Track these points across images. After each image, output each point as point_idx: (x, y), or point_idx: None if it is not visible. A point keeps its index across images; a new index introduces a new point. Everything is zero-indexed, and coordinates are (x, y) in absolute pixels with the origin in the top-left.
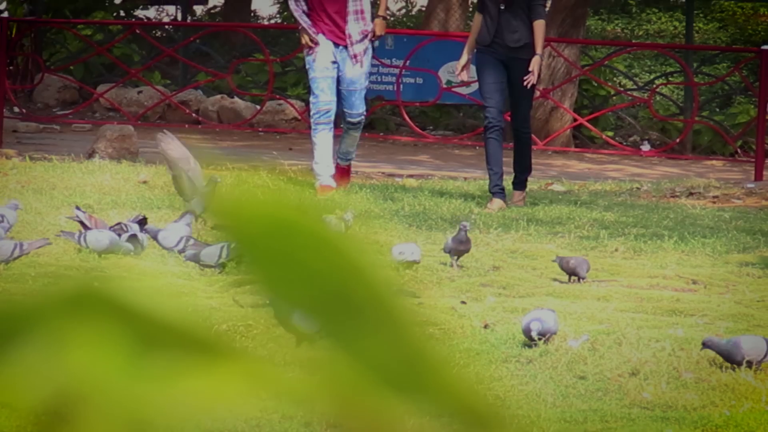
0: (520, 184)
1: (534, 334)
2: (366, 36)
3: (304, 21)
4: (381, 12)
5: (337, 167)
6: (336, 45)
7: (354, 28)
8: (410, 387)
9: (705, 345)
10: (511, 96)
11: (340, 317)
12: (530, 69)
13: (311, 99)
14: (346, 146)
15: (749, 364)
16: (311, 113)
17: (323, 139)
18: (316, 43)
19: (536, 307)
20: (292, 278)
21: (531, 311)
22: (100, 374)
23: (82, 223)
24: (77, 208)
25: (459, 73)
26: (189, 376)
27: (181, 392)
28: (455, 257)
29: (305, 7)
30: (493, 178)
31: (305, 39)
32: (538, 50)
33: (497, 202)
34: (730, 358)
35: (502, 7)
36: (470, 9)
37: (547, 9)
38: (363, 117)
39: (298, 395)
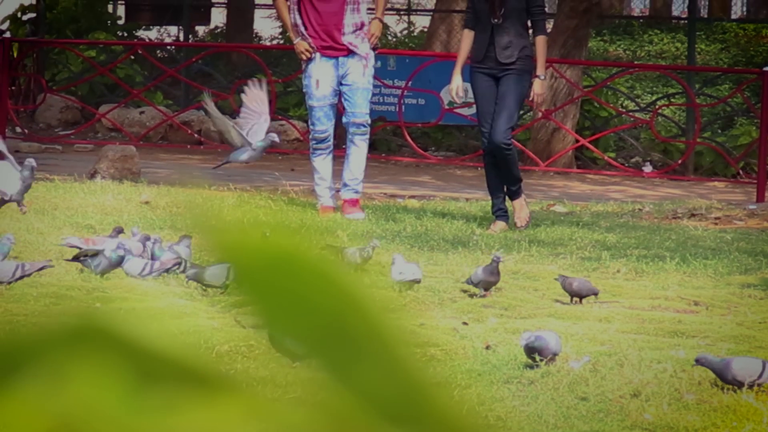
0: (513, 193)
1: (523, 343)
2: (360, 28)
3: (295, 26)
4: (378, 14)
5: (345, 201)
6: (334, 59)
7: (352, 38)
8: (405, 418)
9: (698, 362)
10: (496, 107)
11: (336, 348)
12: (535, 93)
13: (309, 125)
14: (352, 166)
15: (740, 384)
16: (309, 137)
17: (322, 162)
18: (314, 49)
19: (538, 328)
20: (288, 308)
21: (533, 332)
22: (98, 408)
23: (77, 248)
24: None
25: (455, 96)
26: (187, 409)
27: (180, 425)
28: (483, 289)
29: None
30: (495, 201)
31: (301, 48)
32: (540, 71)
33: (500, 224)
34: (722, 376)
35: (496, 21)
36: None
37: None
38: (366, 120)
39: (294, 427)
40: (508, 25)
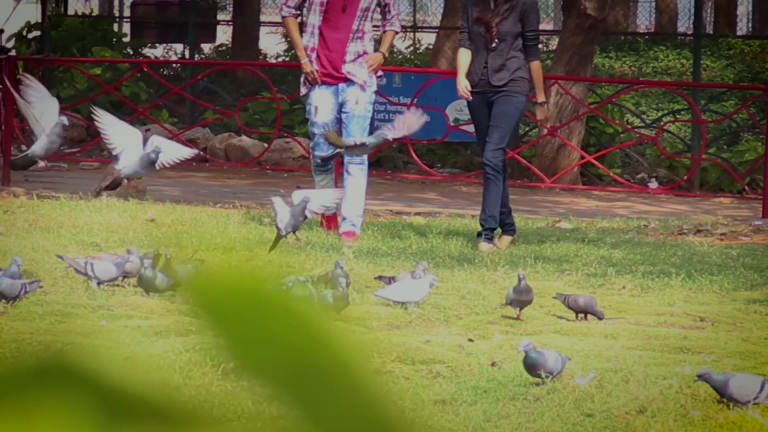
0: (485, 234)
1: (521, 349)
2: (361, 56)
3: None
4: (382, 48)
5: (343, 233)
6: (335, 86)
7: (352, 68)
8: None
9: (700, 377)
10: (488, 127)
11: (305, 386)
12: (538, 120)
13: (310, 148)
14: (350, 201)
15: (738, 402)
16: (311, 157)
17: (323, 179)
18: (318, 76)
19: (544, 345)
20: (258, 347)
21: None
22: None
23: (76, 270)
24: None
25: (464, 92)
26: None
27: None
28: (518, 308)
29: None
30: (500, 217)
31: (308, 69)
32: (540, 98)
33: (505, 239)
34: (721, 393)
35: (492, 45)
36: None
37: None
38: (364, 149)
39: None
40: (502, 49)
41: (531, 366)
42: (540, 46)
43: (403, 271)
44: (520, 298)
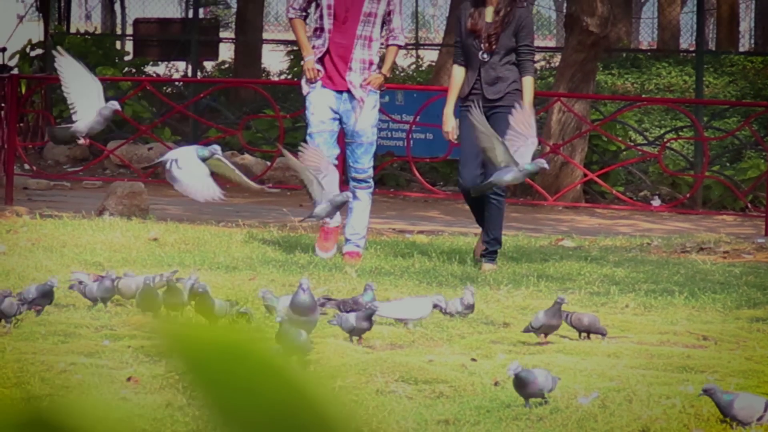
0: (488, 256)
1: (510, 373)
2: (368, 67)
3: (305, 36)
4: (384, 69)
5: (346, 252)
6: (338, 93)
7: (356, 77)
8: None
9: (705, 392)
10: None
11: None
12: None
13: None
14: (354, 222)
15: (741, 423)
16: None
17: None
18: (321, 73)
19: (546, 364)
20: (236, 400)
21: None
22: None
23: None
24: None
25: (453, 135)
26: None
27: None
28: (544, 334)
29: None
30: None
31: (310, 65)
32: (525, 105)
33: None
34: (724, 412)
35: (485, 57)
36: None
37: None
38: (369, 175)
39: None
40: (496, 61)
41: (521, 387)
42: (543, 63)
43: (438, 295)
44: (551, 323)
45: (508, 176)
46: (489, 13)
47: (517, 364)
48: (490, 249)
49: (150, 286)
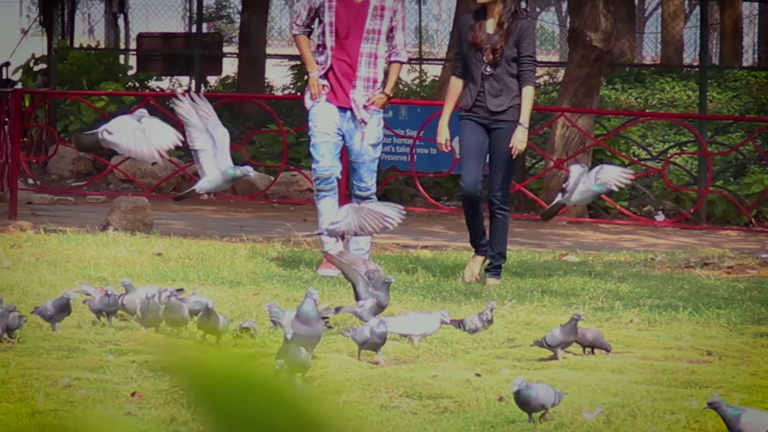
0: (493, 270)
1: (514, 389)
2: (373, 85)
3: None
4: (387, 89)
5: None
6: (342, 110)
7: (360, 94)
8: None
9: (710, 405)
10: (490, 165)
11: None
12: (511, 144)
13: (312, 165)
14: (358, 238)
15: None
16: (313, 179)
17: (327, 205)
18: (327, 89)
19: (551, 379)
20: (239, 420)
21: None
22: None
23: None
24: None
25: (447, 147)
26: None
27: None
28: (561, 349)
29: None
30: (474, 239)
31: (315, 81)
32: (523, 119)
33: (478, 259)
34: (730, 427)
35: (488, 70)
36: None
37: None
38: (372, 192)
39: None
40: (499, 74)
41: (523, 402)
42: (547, 78)
43: (471, 314)
44: (568, 340)
45: (577, 197)
46: (490, 25)
47: (521, 380)
48: (495, 264)
49: (153, 301)
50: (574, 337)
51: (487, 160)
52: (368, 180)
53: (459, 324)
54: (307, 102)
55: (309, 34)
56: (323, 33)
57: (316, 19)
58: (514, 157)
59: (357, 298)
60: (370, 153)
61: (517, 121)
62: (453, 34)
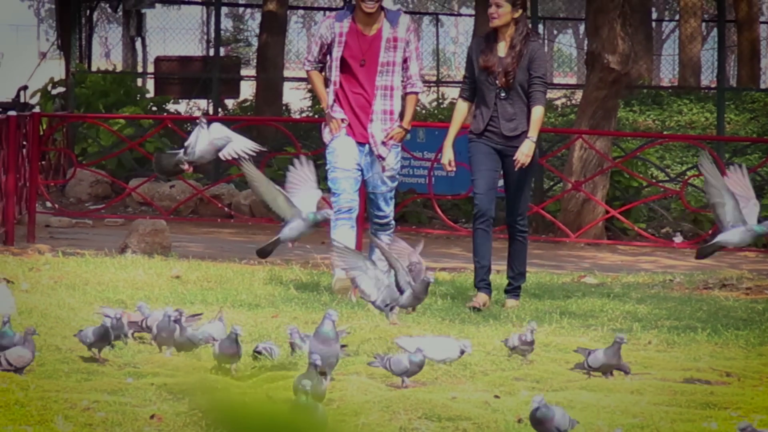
0: (512, 291)
1: (534, 405)
2: (390, 117)
3: (324, 91)
4: (405, 123)
5: None
6: (360, 144)
7: (377, 128)
8: None
9: (742, 431)
10: (506, 190)
11: None
12: (515, 156)
13: (332, 198)
14: (376, 258)
15: None
16: (334, 210)
17: (342, 232)
18: (346, 122)
19: (570, 401)
20: None
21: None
22: None
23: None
24: (104, 308)
25: (451, 167)
26: None
27: None
28: (603, 373)
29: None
30: (479, 272)
31: (331, 121)
32: (531, 133)
33: (482, 297)
34: None
35: (502, 95)
36: None
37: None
38: (391, 218)
39: None
40: (513, 97)
41: (539, 421)
42: (564, 100)
43: (516, 332)
44: (611, 362)
45: (736, 237)
46: (501, 48)
47: (542, 398)
48: (515, 284)
49: (170, 321)
50: (617, 361)
51: (500, 183)
52: (386, 208)
53: (504, 342)
54: (326, 136)
55: (321, 69)
56: (330, 67)
57: (328, 55)
58: (517, 167)
59: (396, 285)
60: (387, 184)
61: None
62: None
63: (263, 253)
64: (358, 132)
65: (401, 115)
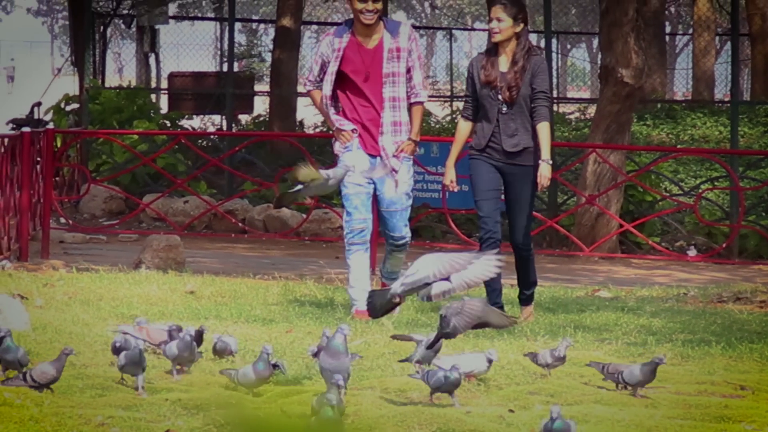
0: (526, 300)
1: (554, 415)
2: (399, 129)
3: (332, 116)
4: (413, 135)
5: (383, 285)
6: (372, 156)
7: (388, 140)
8: None
9: None
10: (508, 209)
11: None
12: (542, 176)
13: (344, 217)
14: (391, 266)
15: None
16: (345, 232)
17: (358, 261)
18: (354, 131)
19: (584, 414)
20: None
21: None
22: None
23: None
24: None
25: (453, 187)
26: None
27: None
28: (638, 389)
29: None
30: (490, 295)
31: (340, 134)
32: (545, 155)
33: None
34: None
35: (504, 110)
36: None
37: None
38: (407, 241)
39: None
40: (515, 113)
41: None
42: (578, 114)
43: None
44: (648, 380)
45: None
46: (503, 63)
47: (559, 408)
48: (527, 292)
49: (191, 341)
50: (653, 378)
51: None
52: (401, 227)
53: (533, 357)
54: (338, 148)
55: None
56: (329, 82)
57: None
58: (541, 190)
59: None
60: (402, 201)
61: (532, 165)
62: None
63: (283, 202)
64: (369, 145)
65: (409, 128)
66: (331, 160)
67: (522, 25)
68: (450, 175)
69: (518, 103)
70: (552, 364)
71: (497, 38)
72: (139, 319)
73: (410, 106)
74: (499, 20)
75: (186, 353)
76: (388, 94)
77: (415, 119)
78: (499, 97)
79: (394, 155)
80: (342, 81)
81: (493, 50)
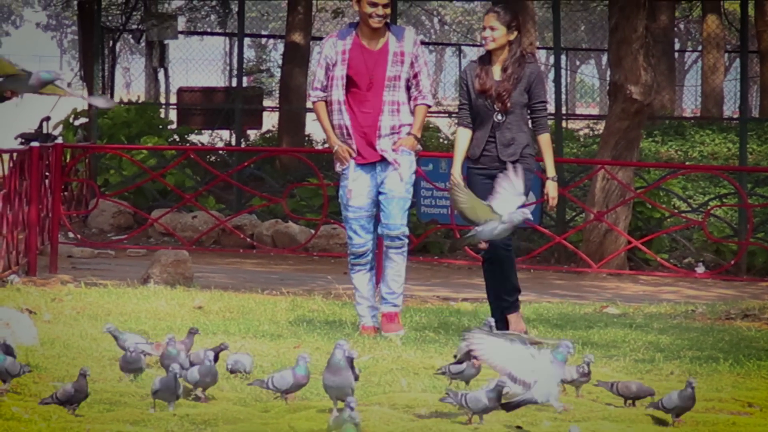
0: (511, 305)
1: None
2: (398, 131)
3: (339, 127)
4: (414, 130)
5: (384, 315)
6: (372, 165)
7: (387, 144)
8: None
9: None
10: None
11: None
12: (549, 197)
13: (347, 240)
14: (390, 280)
15: None
16: (348, 252)
17: (361, 280)
18: (355, 152)
19: (593, 431)
20: None
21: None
22: None
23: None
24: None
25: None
26: None
27: None
28: (675, 415)
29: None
30: (495, 313)
31: (342, 152)
32: (551, 173)
33: (514, 317)
34: None
35: (499, 118)
36: None
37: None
38: (402, 232)
39: None
40: (511, 121)
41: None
42: (587, 131)
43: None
44: (686, 405)
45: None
46: (497, 72)
47: (578, 430)
48: (510, 299)
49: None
50: (691, 404)
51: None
52: (397, 217)
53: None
54: (338, 167)
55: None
56: (336, 86)
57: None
58: (549, 211)
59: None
60: (399, 189)
61: (526, 169)
62: None
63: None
64: (369, 153)
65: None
66: (339, 177)
67: (516, 33)
68: (457, 181)
69: (514, 111)
70: (578, 381)
71: (491, 46)
72: (109, 326)
73: (415, 107)
74: (492, 29)
75: (208, 378)
76: (389, 98)
77: (417, 117)
78: (495, 106)
79: (393, 149)
80: (340, 85)
81: (486, 58)
